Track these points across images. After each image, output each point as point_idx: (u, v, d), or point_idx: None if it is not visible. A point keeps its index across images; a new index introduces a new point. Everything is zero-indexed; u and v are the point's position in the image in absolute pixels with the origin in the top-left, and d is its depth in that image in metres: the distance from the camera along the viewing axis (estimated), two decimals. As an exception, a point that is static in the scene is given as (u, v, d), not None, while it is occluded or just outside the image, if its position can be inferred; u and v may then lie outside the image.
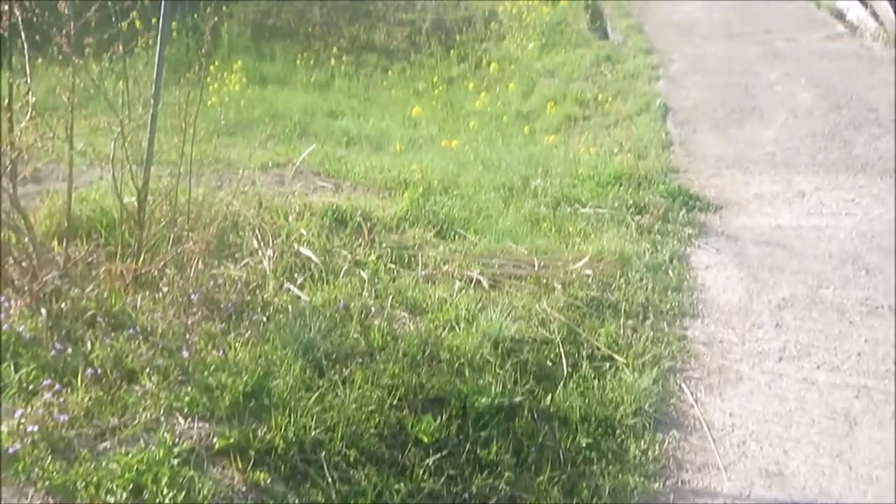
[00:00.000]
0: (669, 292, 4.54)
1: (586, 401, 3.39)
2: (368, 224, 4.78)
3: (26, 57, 3.26)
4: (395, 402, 3.07)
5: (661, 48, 11.44)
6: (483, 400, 3.16)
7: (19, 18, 3.13)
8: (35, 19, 3.05)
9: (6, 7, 2.91)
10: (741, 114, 8.35)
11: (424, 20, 13.59)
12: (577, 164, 6.73)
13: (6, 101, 2.92)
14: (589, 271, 4.52)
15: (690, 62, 10.58)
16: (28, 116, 3.00)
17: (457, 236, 5.01)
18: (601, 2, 15.18)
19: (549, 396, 3.38)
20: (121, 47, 3.36)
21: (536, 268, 4.54)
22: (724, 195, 6.28)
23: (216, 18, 11.47)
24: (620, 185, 6.17)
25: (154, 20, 10.00)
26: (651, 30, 12.76)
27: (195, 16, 11.73)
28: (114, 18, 3.90)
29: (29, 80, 3.14)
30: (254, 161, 6.57)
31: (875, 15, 12.19)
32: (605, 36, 12.86)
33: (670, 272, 4.78)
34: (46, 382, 2.62)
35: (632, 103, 8.95)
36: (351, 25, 13.30)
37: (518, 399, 3.30)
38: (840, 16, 12.89)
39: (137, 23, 9.60)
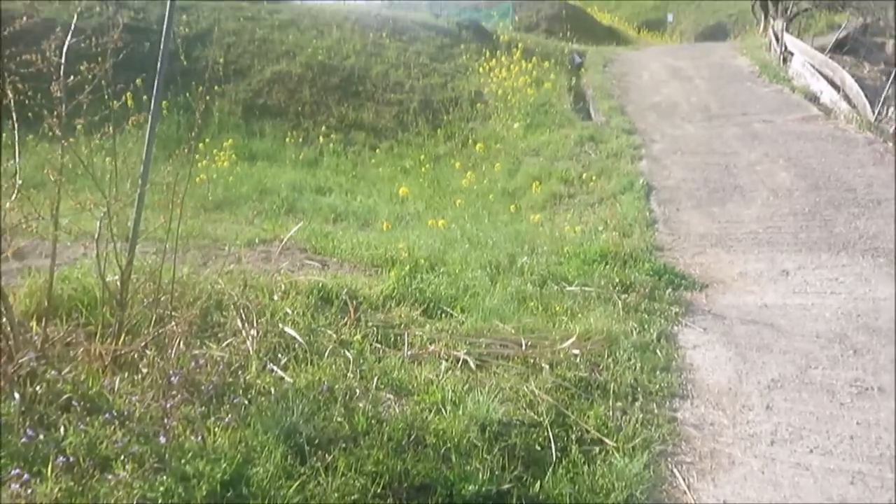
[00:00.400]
0: (658, 372, 4.49)
1: (576, 487, 3.29)
2: (354, 302, 4.75)
3: (16, 137, 3.29)
4: (379, 491, 2.97)
5: (643, 128, 11.78)
6: (470, 488, 3.07)
7: (12, 100, 3.17)
8: (28, 101, 3.09)
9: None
10: (723, 193, 8.53)
11: (412, 100, 13.98)
12: (562, 242, 6.79)
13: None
14: (576, 351, 4.48)
15: (671, 142, 10.87)
16: (14, 197, 2.99)
17: (443, 315, 4.98)
18: (584, 84, 15.75)
19: (538, 483, 3.28)
20: (111, 127, 3.39)
21: (524, 347, 4.50)
22: (709, 273, 6.33)
23: (207, 98, 11.77)
24: (606, 263, 6.20)
25: (145, 98, 10.20)
26: (632, 111, 13.18)
27: (187, 94, 11.98)
28: (106, 96, 3.97)
29: (17, 162, 3.15)
30: (240, 238, 6.60)
31: (847, 98, 12.68)
32: (589, 117, 13.24)
33: (658, 352, 4.75)
34: (15, 472, 2.52)
35: (615, 182, 9.13)
36: (340, 105, 13.64)
37: (506, 486, 3.20)
38: (814, 99, 13.39)
39: (129, 101, 9.83)
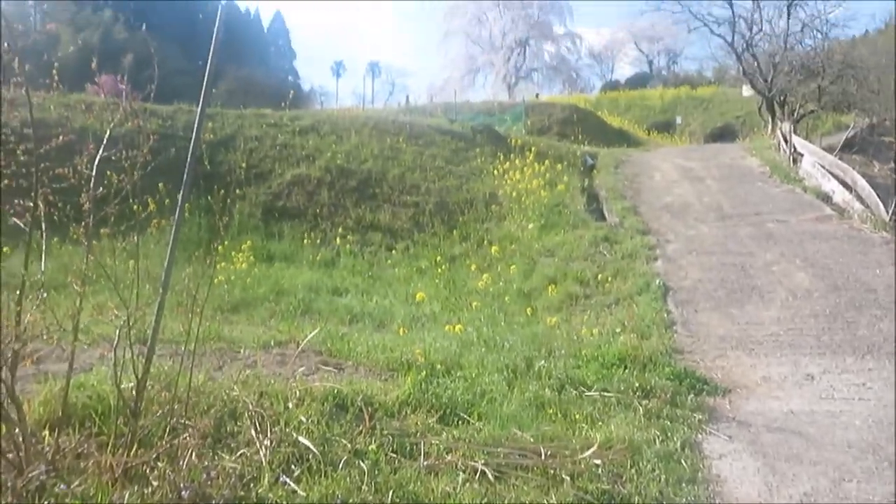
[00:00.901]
0: (684, 484, 4.32)
1: None
2: (370, 409, 4.67)
3: (44, 247, 3.37)
4: None
5: (657, 229, 11.88)
6: None
7: (42, 211, 3.28)
8: (56, 213, 3.19)
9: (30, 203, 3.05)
10: (741, 294, 8.47)
11: (428, 202, 14.27)
12: (580, 345, 6.72)
13: (18, 293, 2.98)
14: (598, 461, 4.33)
15: (686, 242, 10.93)
16: (36, 307, 3.04)
17: (460, 422, 4.87)
18: (596, 185, 16.04)
19: None
20: (136, 236, 3.47)
21: (543, 457, 4.36)
22: (731, 378, 6.20)
23: (229, 200, 12.10)
24: (625, 366, 6.11)
25: (168, 202, 10.47)
26: (646, 211, 13.34)
27: (209, 197, 12.32)
28: (132, 202, 4.09)
29: (42, 271, 3.22)
30: (256, 340, 6.59)
31: (860, 198, 12.79)
32: (602, 217, 13.41)
33: (683, 462, 4.59)
34: None
35: (631, 282, 9.13)
36: (358, 206, 13.95)
37: None
38: (826, 199, 13.53)
39: (152, 204, 10.11)
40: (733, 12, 26.96)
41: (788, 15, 26.56)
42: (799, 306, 7.89)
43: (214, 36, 3.58)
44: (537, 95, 54.72)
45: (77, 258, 3.48)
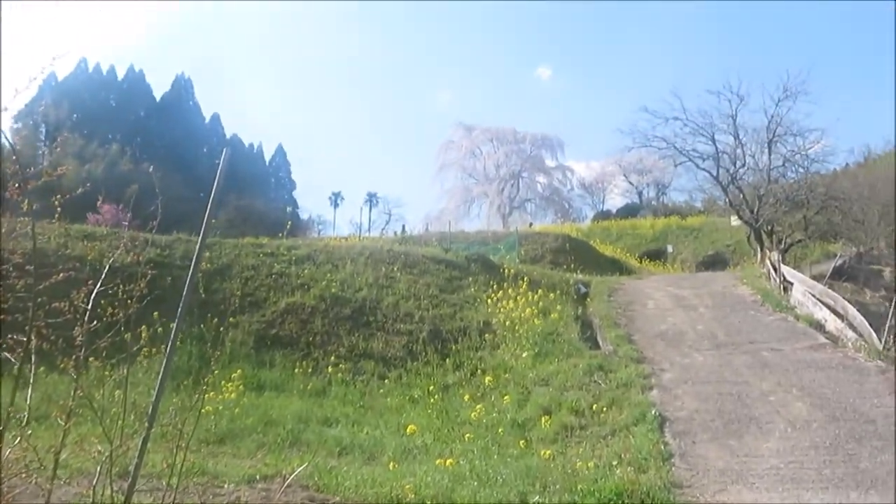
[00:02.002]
0: None
1: None
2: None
3: (31, 378, 3.40)
4: None
5: (651, 357, 11.86)
6: None
7: (34, 343, 3.33)
8: (50, 346, 3.24)
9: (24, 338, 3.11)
10: (738, 424, 8.36)
11: (422, 330, 14.31)
12: (575, 479, 6.55)
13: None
14: None
15: (681, 371, 10.88)
16: (17, 443, 3.02)
17: (450, 563, 4.68)
18: (590, 313, 16.16)
19: None
20: (126, 369, 3.51)
21: None
22: (733, 514, 6.01)
23: (221, 329, 12.13)
24: (622, 502, 5.94)
25: (160, 330, 10.49)
26: (640, 339, 13.37)
27: (202, 326, 12.35)
28: (123, 335, 4.15)
29: (26, 411, 3.23)
30: (241, 474, 6.43)
31: (852, 326, 12.88)
32: (596, 345, 13.41)
33: None
34: None
35: (627, 413, 9.01)
36: (351, 335, 13.97)
37: None
38: (819, 327, 13.61)
39: (144, 333, 10.14)
40: (717, 149, 28.31)
41: (770, 151, 27.89)
42: (798, 438, 7.77)
43: (217, 175, 3.79)
44: (531, 225, 56.23)
45: (62, 387, 3.50)
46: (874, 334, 12.24)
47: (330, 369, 12.56)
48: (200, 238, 3.98)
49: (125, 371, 3.53)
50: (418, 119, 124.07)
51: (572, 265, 23.80)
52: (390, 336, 14.15)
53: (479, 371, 12.31)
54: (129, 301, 3.56)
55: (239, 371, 11.27)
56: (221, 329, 12.39)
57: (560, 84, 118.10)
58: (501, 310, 15.26)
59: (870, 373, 10.22)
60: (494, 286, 17.00)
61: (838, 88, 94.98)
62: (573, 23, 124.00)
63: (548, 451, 7.60)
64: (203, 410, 8.48)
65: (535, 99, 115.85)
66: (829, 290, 15.40)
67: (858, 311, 13.59)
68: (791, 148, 27.79)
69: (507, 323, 14.44)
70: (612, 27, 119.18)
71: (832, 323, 13.57)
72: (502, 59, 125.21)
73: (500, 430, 8.98)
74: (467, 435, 8.69)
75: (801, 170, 27.81)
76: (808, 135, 27.38)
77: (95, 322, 3.30)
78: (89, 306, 3.28)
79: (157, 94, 74.81)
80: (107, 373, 4.84)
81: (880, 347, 11.64)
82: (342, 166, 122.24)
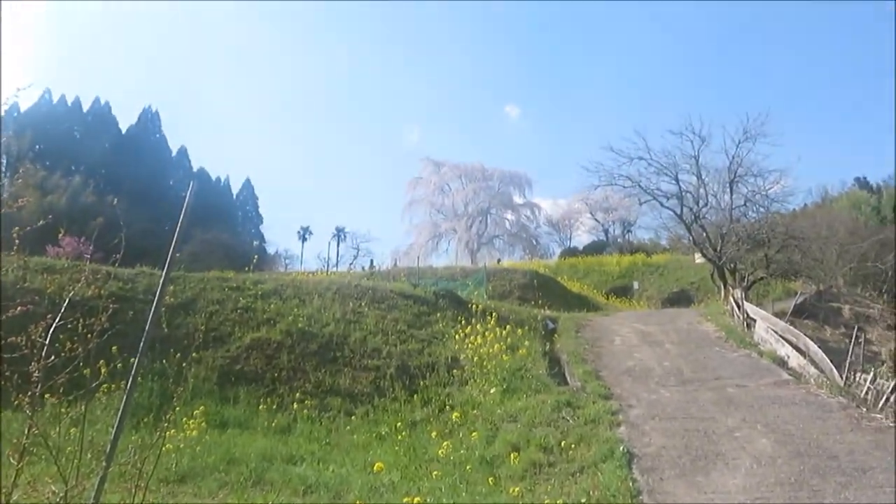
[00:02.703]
0: None
1: None
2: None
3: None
4: None
5: (619, 393, 11.90)
6: None
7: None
8: (3, 383, 3.13)
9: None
10: (705, 461, 8.39)
11: (389, 366, 14.19)
12: (545, 518, 6.48)
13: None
14: None
15: (648, 407, 10.92)
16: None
17: None
18: (558, 349, 16.20)
19: None
20: (84, 406, 3.40)
21: None
22: (701, 552, 5.99)
23: (184, 365, 11.87)
24: (592, 540, 5.88)
25: (120, 366, 10.24)
26: (607, 376, 13.41)
27: (163, 361, 12.07)
28: (82, 370, 4.02)
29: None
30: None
31: (814, 363, 13.11)
32: (564, 381, 13.42)
33: None
34: None
35: (595, 449, 8.99)
36: (317, 370, 13.78)
37: None
38: (782, 363, 13.83)
39: (104, 370, 9.86)
40: (680, 188, 28.87)
41: (731, 190, 28.54)
42: (764, 474, 7.82)
43: (183, 208, 3.75)
44: (499, 261, 56.57)
45: (16, 425, 3.37)
46: (835, 371, 12.48)
47: (295, 406, 12.34)
48: (164, 271, 3.91)
49: (83, 408, 3.42)
50: (387, 154, 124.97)
51: (540, 301, 23.91)
52: (357, 372, 13.99)
53: (447, 407, 12.21)
54: (88, 335, 3.47)
55: (202, 408, 10.99)
56: (184, 365, 12.12)
57: (528, 122, 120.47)
58: (470, 346, 15.21)
59: (832, 409, 10.38)
60: (463, 322, 16.98)
61: (796, 131, 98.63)
62: (540, 63, 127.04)
63: (516, 489, 7.54)
64: (164, 448, 8.26)
65: (503, 136, 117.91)
66: (791, 327, 15.71)
67: (819, 347, 13.87)
68: (752, 188, 28.47)
69: (476, 359, 14.38)
70: (578, 68, 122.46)
71: (795, 359, 13.80)
72: (470, 97, 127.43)
73: (468, 467, 8.87)
74: (435, 472, 8.56)
75: (761, 209, 28.47)
76: (767, 175, 28.10)
77: (53, 357, 3.19)
78: (47, 341, 3.18)
79: (123, 127, 74.17)
80: (63, 410, 4.68)
81: (841, 384, 11.86)
82: (311, 201, 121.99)
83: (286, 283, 18.65)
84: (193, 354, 13.03)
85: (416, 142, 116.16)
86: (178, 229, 3.99)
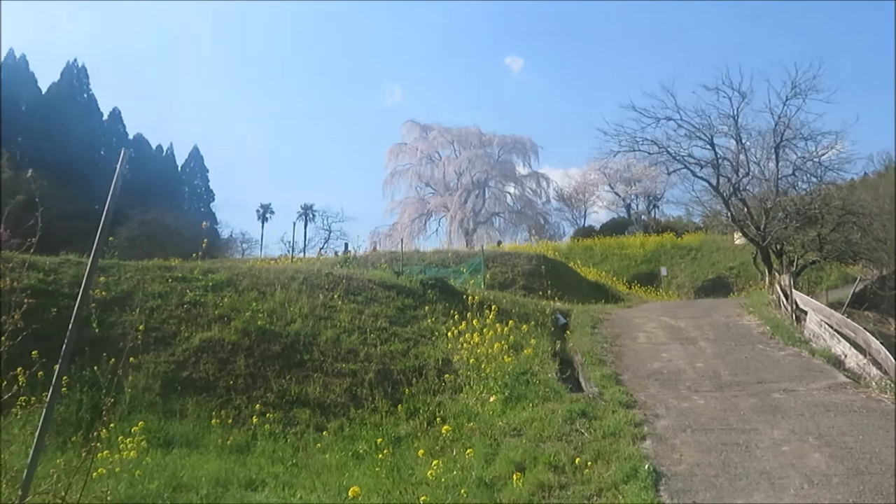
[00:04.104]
0: None
1: None
2: None
3: None
4: None
5: (643, 401, 11.96)
6: None
7: None
8: None
9: None
10: (747, 480, 8.45)
11: (368, 370, 14.20)
12: (555, 551, 6.52)
13: None
14: None
15: (678, 417, 10.99)
16: None
17: None
18: (570, 349, 16.26)
19: None
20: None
21: None
22: (742, 589, 6.05)
23: (120, 371, 11.83)
24: (611, 577, 5.93)
25: (41, 374, 10.23)
26: (629, 379, 13.48)
27: (94, 368, 12.03)
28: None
29: None
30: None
31: (876, 363, 13.19)
32: (578, 387, 13.46)
33: None
34: None
35: (616, 468, 9.04)
36: (281, 377, 13.77)
37: None
38: (838, 363, 13.92)
39: (22, 378, 9.83)
40: (716, 154, 28.78)
41: (777, 157, 28.41)
42: (817, 495, 7.88)
43: (114, 181, 3.70)
44: (499, 243, 56.72)
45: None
46: (901, 371, 12.56)
47: (255, 420, 12.34)
48: (91, 259, 3.87)
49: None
50: (364, 118, 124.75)
51: (549, 291, 23.98)
52: (329, 378, 13.99)
53: (437, 419, 12.23)
54: (0, 337, 3.43)
55: (141, 423, 10.97)
56: (119, 372, 12.07)
57: (533, 77, 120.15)
58: (464, 345, 15.24)
59: (897, 417, 10.46)
60: (456, 317, 17.00)
61: (854, 86, 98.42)
62: (548, 3, 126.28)
63: (521, 517, 7.57)
64: (94, 473, 8.25)
65: (503, 94, 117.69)
66: (849, 320, 15.78)
67: (883, 344, 13.94)
68: (801, 154, 28.45)
69: (472, 361, 14.41)
70: (594, 11, 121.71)
71: (853, 358, 13.89)
72: (463, 47, 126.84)
73: (462, 491, 8.91)
74: (423, 497, 8.60)
75: (813, 179, 28.48)
76: (820, 139, 28.05)
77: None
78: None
79: (44, 85, 73.55)
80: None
81: (908, 387, 11.94)
82: (272, 174, 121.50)
83: (243, 273, 18.60)
84: (131, 359, 12.98)
85: (399, 102, 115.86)
86: (107, 206, 3.94)
